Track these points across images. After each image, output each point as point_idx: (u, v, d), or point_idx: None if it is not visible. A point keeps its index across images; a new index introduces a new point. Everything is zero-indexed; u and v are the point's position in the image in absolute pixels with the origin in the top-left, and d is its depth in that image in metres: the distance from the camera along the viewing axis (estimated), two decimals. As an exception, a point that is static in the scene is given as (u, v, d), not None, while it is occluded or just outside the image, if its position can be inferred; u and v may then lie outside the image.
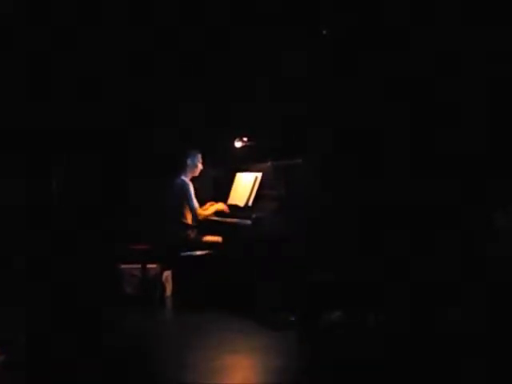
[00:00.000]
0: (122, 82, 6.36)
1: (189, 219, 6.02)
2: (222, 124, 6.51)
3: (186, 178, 6.07)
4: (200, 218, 6.01)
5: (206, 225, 6.07)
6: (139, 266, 6.10)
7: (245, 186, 6.16)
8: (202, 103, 6.50)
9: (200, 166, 6.17)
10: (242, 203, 6.07)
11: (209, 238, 6.00)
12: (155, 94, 6.47)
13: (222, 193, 6.40)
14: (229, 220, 5.99)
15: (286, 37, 6.06)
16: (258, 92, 6.39)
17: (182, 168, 6.11)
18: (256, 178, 6.05)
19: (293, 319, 5.21)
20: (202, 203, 6.17)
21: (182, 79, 6.47)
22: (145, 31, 6.12)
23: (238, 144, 6.42)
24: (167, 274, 6.27)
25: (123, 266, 6.25)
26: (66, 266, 5.95)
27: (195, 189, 6.07)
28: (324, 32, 6.00)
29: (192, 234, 6.02)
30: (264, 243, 5.50)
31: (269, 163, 6.05)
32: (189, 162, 6.11)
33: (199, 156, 6.16)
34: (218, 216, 6.11)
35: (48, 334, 4.86)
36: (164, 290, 6.21)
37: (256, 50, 6.27)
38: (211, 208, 6.12)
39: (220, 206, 6.14)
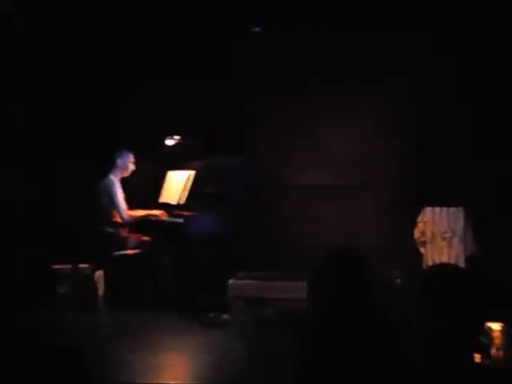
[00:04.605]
0: None
1: (118, 218, 5.97)
2: (158, 123, 6.49)
3: (115, 178, 6.00)
4: (126, 217, 5.95)
5: (137, 223, 6.02)
6: (70, 266, 6.01)
7: (177, 183, 6.11)
8: (139, 102, 6.47)
9: (132, 167, 6.09)
10: (173, 201, 6.01)
11: (139, 237, 5.97)
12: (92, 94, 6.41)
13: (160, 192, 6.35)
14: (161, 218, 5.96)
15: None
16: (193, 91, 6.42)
17: (112, 167, 6.05)
18: (189, 175, 5.97)
19: (227, 317, 5.26)
20: (141, 204, 6.11)
21: (120, 78, 6.43)
22: None
23: (169, 142, 6.41)
24: (99, 273, 6.19)
25: (55, 267, 6.15)
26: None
27: (128, 189, 6.02)
28: (256, 29, 6.10)
29: (123, 232, 5.97)
30: (198, 242, 5.51)
31: (203, 162, 6.02)
32: (119, 161, 6.04)
33: (131, 156, 6.08)
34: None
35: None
36: (96, 289, 6.14)
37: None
38: (144, 211, 6.04)
39: (155, 212, 6.01)
